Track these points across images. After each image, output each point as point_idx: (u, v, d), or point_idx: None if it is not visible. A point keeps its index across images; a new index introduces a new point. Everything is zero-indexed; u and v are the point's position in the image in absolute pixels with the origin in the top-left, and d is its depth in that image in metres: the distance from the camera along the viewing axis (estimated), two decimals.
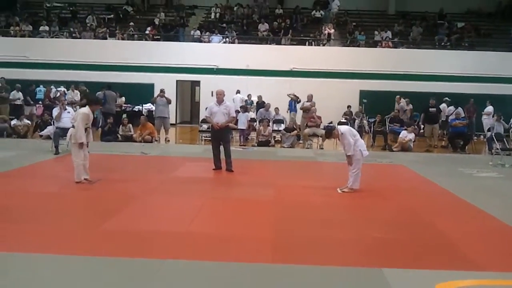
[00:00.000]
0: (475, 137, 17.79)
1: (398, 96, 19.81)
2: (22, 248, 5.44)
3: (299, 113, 17.89)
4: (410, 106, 20.08)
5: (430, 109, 16.94)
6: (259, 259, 5.30)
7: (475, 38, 24.45)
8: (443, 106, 19.02)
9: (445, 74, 21.82)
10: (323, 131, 16.18)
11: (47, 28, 24.51)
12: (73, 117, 8.92)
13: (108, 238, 5.90)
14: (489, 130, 15.94)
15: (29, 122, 16.68)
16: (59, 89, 20.94)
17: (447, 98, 19.57)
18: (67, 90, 19.97)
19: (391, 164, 12.83)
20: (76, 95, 19.27)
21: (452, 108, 17.98)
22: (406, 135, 15.76)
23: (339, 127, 8.80)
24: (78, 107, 13.32)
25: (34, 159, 11.49)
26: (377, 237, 6.21)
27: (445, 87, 21.14)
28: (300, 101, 18.57)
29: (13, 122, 16.15)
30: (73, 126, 9.11)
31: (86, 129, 8.82)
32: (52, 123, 14.11)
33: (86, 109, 9.00)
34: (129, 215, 7.01)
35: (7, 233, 5.95)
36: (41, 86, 22.12)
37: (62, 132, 12.74)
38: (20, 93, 19.47)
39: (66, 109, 13.04)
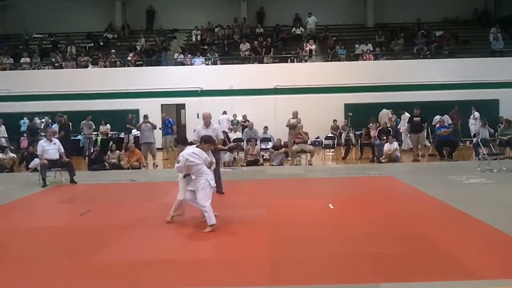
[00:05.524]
0: (461, 143, 17.89)
1: (390, 110, 20.13)
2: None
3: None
4: (394, 116, 20.21)
5: (415, 119, 17.06)
6: (258, 282, 5.27)
7: (454, 46, 24.78)
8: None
9: (428, 83, 21.98)
10: (311, 147, 16.29)
11: (28, 59, 24.40)
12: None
13: (101, 271, 5.80)
14: (475, 136, 16.03)
15: (14, 155, 16.51)
16: (42, 120, 20.85)
17: None
18: (51, 121, 19.84)
19: (381, 176, 12.87)
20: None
21: (438, 116, 18.10)
22: (389, 147, 15.82)
23: (185, 151, 7.72)
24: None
25: (21, 193, 11.32)
26: (372, 252, 6.18)
27: (429, 96, 21.31)
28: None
29: None
30: None
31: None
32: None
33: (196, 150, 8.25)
34: (122, 246, 6.91)
35: None
36: (25, 118, 21.97)
37: (49, 164, 12.63)
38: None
39: (52, 140, 12.91)
